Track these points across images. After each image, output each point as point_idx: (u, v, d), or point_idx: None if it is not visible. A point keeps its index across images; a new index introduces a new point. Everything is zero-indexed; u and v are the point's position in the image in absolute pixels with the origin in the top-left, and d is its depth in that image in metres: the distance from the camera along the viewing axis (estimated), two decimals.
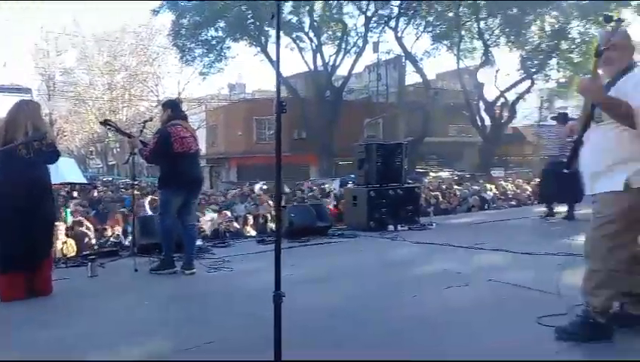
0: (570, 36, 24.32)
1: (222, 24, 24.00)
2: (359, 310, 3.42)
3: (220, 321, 3.28)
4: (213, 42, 24.77)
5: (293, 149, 26.68)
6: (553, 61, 25.52)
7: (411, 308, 3.44)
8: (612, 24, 2.64)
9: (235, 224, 8.34)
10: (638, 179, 2.47)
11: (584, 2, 23.18)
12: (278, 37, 2.30)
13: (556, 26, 24.55)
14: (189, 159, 4.71)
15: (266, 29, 23.13)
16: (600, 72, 2.70)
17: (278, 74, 2.34)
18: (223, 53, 25.16)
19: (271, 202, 12.62)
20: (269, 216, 9.25)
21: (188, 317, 3.41)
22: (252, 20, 22.61)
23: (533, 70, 25.20)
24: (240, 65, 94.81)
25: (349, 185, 11.87)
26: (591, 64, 2.83)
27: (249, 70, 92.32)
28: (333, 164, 25.58)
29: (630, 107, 2.42)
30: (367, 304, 3.56)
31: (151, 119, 6.34)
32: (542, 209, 8.18)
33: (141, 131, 6.11)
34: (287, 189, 14.38)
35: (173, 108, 4.89)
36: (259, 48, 24.60)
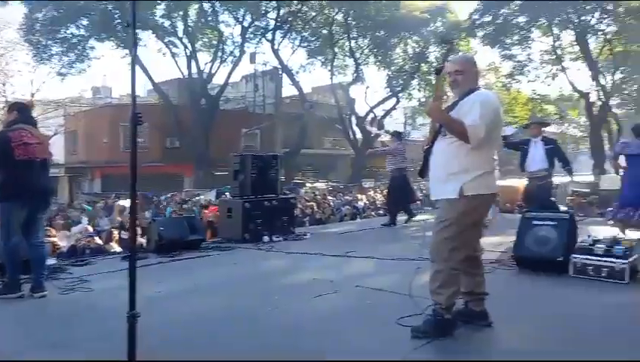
0: (428, 60, 26.96)
1: (85, 22, 22.06)
2: (229, 323, 3.37)
3: (72, 345, 2.98)
4: (74, 41, 22.61)
5: (166, 159, 25.45)
6: (415, 81, 28.08)
7: (281, 317, 3.47)
8: (448, 46, 3.06)
9: (98, 240, 7.67)
10: (470, 187, 2.82)
11: (440, 30, 25.87)
12: (134, 42, 2.18)
13: (417, 50, 27.04)
14: (34, 168, 4.18)
15: (136, 30, 21.86)
16: (447, 89, 3.09)
17: (133, 82, 2.17)
18: (85, 54, 23.12)
19: (146, 213, 11.92)
20: (138, 230, 8.68)
21: (36, 344, 3.04)
22: (119, 20, 21.12)
23: (398, 89, 27.41)
24: (106, 67, 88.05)
25: (224, 197, 11.67)
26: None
27: (116, 73, 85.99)
28: (209, 175, 24.90)
29: (464, 125, 2.77)
30: (238, 317, 3.52)
31: None
32: (405, 217, 8.83)
33: None
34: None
35: (20, 111, 4.35)
36: (127, 51, 23.12)
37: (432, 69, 3.53)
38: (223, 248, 6.53)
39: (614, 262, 4.10)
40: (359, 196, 18.22)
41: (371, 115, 27.88)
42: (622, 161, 6.44)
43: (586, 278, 4.20)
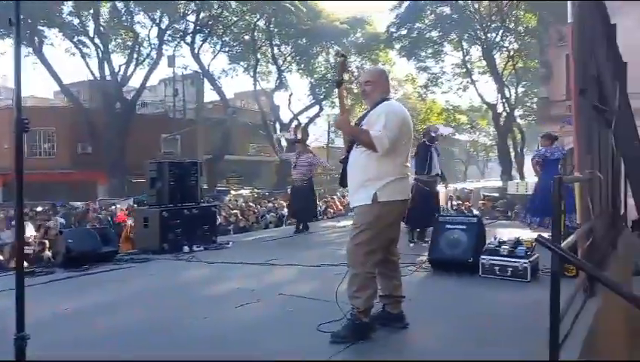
0: (350, 69, 27.66)
1: None
2: (145, 337, 3.21)
3: None
4: None
5: (77, 165, 23.84)
6: (336, 90, 28.65)
7: (202, 329, 3.36)
8: (341, 58, 3.24)
9: None
10: (383, 194, 2.94)
11: (360, 41, 26.70)
12: (17, 43, 1.99)
13: (338, 60, 27.64)
14: None
15: (40, 28, 20.30)
16: (345, 102, 3.24)
17: (18, 82, 1.96)
18: None
19: (50, 223, 11.03)
20: (47, 243, 8.06)
21: None
22: (22, 17, 19.50)
23: (322, 97, 27.85)
24: (6, 66, 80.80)
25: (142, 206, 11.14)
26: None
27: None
28: (125, 182, 23.66)
29: (370, 135, 2.90)
30: (155, 330, 3.35)
31: None
32: (329, 223, 8.97)
33: None
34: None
35: None
36: (30, 49, 21.37)
37: (334, 80, 3.81)
38: (139, 260, 6.21)
39: (517, 262, 4.43)
40: (284, 203, 18.19)
41: (295, 122, 28.06)
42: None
43: (493, 278, 4.49)
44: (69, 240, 5.78)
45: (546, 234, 2.43)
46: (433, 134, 7.00)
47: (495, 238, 4.95)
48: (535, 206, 7.10)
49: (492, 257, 4.57)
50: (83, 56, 22.91)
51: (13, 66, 1.98)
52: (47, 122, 23.70)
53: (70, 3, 20.56)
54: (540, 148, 7.43)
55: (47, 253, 7.29)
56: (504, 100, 25.09)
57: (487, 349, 2.85)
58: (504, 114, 25.46)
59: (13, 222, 10.14)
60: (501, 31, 23.43)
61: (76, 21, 22.15)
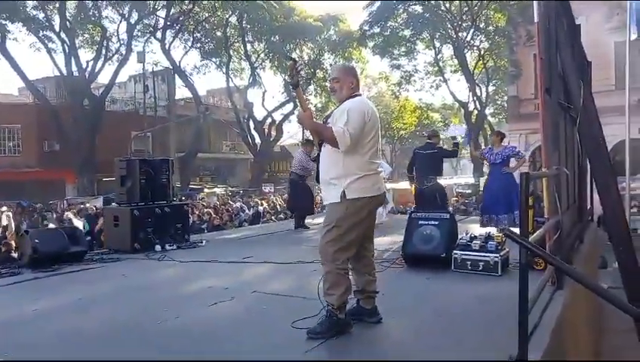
0: (323, 67, 27.73)
1: None
2: (115, 339, 3.14)
3: None
4: None
5: (43, 163, 23.16)
6: (312, 87, 28.67)
7: (175, 329, 3.31)
8: (290, 62, 3.24)
9: None
10: (350, 190, 2.96)
11: (334, 39, 26.75)
12: None
13: (312, 57, 27.68)
14: None
15: (3, 22, 19.57)
16: (305, 101, 3.27)
17: None
18: None
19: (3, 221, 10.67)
20: (12, 244, 7.82)
21: None
22: None
23: (295, 94, 27.76)
24: None
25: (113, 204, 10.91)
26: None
27: None
28: (94, 181, 23.09)
29: (332, 132, 2.92)
30: (126, 331, 3.29)
31: None
32: (306, 221, 8.96)
33: None
34: None
35: None
36: None
37: (289, 83, 3.86)
38: (109, 259, 6.08)
39: (488, 257, 4.52)
40: (259, 201, 18.12)
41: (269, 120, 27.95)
42: (512, 162, 7.39)
43: (465, 272, 4.58)
44: (36, 241, 5.60)
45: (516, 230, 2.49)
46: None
47: (467, 234, 5.04)
48: (484, 205, 7.58)
49: (464, 252, 4.66)
50: (49, 51, 22.24)
51: None
52: (12, 119, 22.90)
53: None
54: (485, 148, 8.10)
55: (14, 255, 7.06)
56: (475, 98, 25.59)
57: (458, 341, 2.90)
58: (475, 112, 25.95)
59: None
60: (472, 30, 23.87)
61: (41, 15, 21.46)
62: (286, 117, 29.28)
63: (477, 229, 6.41)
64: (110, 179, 19.31)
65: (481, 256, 4.56)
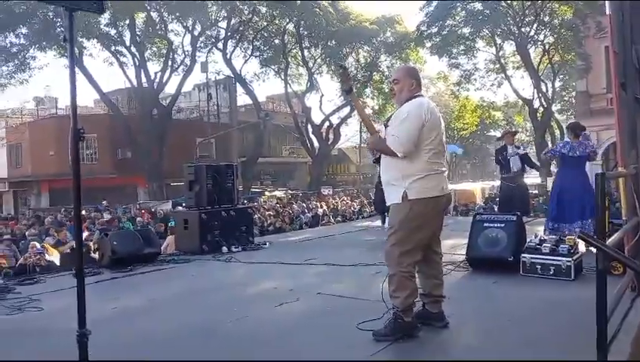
0: (380, 69, 27.58)
1: (24, 30, 21.03)
2: (189, 338, 3.31)
3: None
4: (14, 50, 21.53)
5: (118, 170, 24.65)
6: (368, 90, 28.60)
7: (244, 328, 3.44)
8: (340, 70, 3.21)
9: (48, 257, 7.33)
10: (412, 191, 2.93)
11: (390, 41, 26.54)
12: (71, 53, 2.10)
13: (368, 60, 27.63)
14: None
15: (80, 39, 21.06)
16: (364, 109, 3.29)
17: (74, 96, 2.08)
18: (26, 63, 22.03)
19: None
20: (91, 245, 8.39)
21: None
22: (61, 29, 20.27)
23: None
24: (50, 76, 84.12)
25: (180, 208, 11.46)
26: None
27: (61, 83, 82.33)
28: (163, 186, 24.30)
29: (387, 145, 2.97)
30: (198, 330, 3.46)
31: None
32: (365, 223, 9.00)
33: None
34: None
35: None
36: (68, 61, 22.11)
37: (343, 91, 3.80)
38: (180, 261, 6.40)
39: (560, 260, 4.33)
40: (318, 203, 18.31)
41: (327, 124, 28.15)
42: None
43: (535, 276, 4.41)
44: (114, 242, 6.00)
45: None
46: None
47: (536, 236, 4.85)
48: (551, 211, 6.33)
49: (533, 256, 4.49)
50: (121, 65, 23.66)
51: (69, 81, 2.11)
52: (89, 129, 24.17)
53: (107, 14, 21.22)
54: (559, 142, 7.23)
55: (94, 256, 7.58)
56: (541, 95, 24.44)
57: (531, 349, 2.81)
58: (541, 109, 24.79)
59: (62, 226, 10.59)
60: (535, 25, 22.83)
61: (113, 31, 22.89)
62: (343, 120, 29.40)
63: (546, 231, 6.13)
64: (178, 183, 20.28)
65: (552, 259, 4.38)
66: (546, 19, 22.67)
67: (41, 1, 2.06)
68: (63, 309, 4.06)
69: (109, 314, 3.91)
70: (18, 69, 21.91)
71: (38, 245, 7.56)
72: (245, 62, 27.08)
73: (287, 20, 25.42)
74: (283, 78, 27.40)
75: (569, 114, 30.32)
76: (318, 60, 27.93)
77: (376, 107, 28.92)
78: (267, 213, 14.71)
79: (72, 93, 2.09)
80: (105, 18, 21.43)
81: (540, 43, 24.03)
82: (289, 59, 27.20)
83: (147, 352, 3.05)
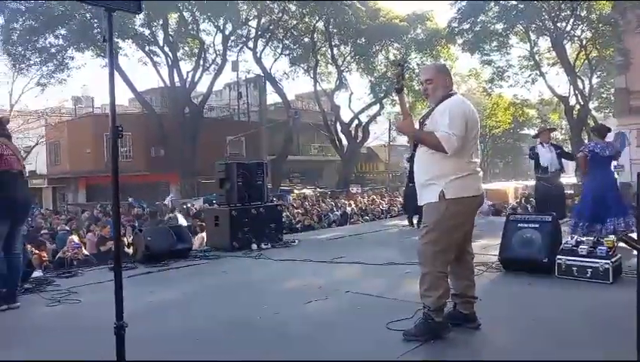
0: (410, 66, 27.27)
1: (63, 31, 21.76)
2: (221, 332, 3.37)
3: (61, 356, 2.94)
4: (53, 50, 22.29)
5: (151, 168, 25.24)
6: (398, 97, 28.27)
7: (274, 324, 3.48)
8: (398, 68, 3.12)
9: (85, 251, 7.58)
10: (450, 190, 2.88)
11: (421, 38, 26.21)
12: (110, 51, 2.16)
13: (398, 57, 27.35)
14: (12, 179, 4.15)
15: (115, 40, 21.64)
16: (407, 106, 3.19)
17: (112, 94, 2.14)
18: (64, 63, 22.80)
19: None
20: (125, 240, 8.64)
21: (24, 355, 3.00)
22: (98, 29, 20.87)
23: (382, 95, 27.62)
24: (87, 76, 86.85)
25: (212, 205, 11.65)
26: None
27: (97, 82, 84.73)
28: (195, 183, 24.75)
29: (437, 137, 2.86)
30: (229, 325, 3.51)
31: None
32: (394, 222, 8.94)
33: None
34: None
35: None
36: (107, 60, 22.75)
37: (394, 88, 3.69)
38: (211, 257, 6.51)
39: (598, 263, 4.20)
40: (347, 202, 18.30)
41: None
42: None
43: (571, 279, 4.29)
44: (148, 238, 6.16)
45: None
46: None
47: (572, 238, 4.72)
48: (579, 210, 6.37)
49: (569, 257, 4.37)
50: (154, 64, 24.19)
51: (108, 79, 2.18)
52: (124, 128, 24.84)
53: (141, 15, 21.73)
54: (589, 142, 6.87)
55: (128, 250, 7.79)
56: (577, 92, 23.69)
57: (567, 350, 2.74)
58: (577, 106, 24.04)
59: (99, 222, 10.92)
60: (572, 20, 22.12)
61: (147, 32, 23.43)
62: (372, 118, 29.26)
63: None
64: (209, 181, 20.59)
65: (589, 261, 4.24)
66: (583, 13, 21.93)
67: (82, 2, 2.11)
68: (100, 302, 4.18)
69: (145, 308, 4.01)
70: (57, 69, 22.70)
71: (75, 239, 7.83)
72: (275, 60, 27.28)
73: (317, 18, 25.45)
74: (312, 76, 27.45)
75: (607, 111, 29.29)
76: (348, 58, 27.84)
77: (408, 105, 28.62)
78: (296, 210, 14.78)
79: (110, 91, 2.15)
80: (139, 19, 21.97)
81: (576, 38, 23.28)
82: (318, 58, 27.23)
83: (181, 345, 3.12)
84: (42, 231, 10.40)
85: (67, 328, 3.64)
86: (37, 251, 7.07)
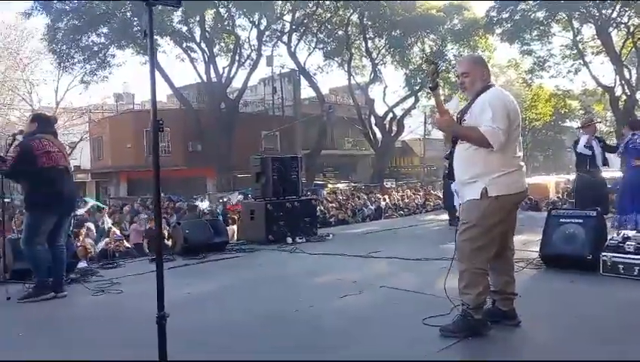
0: (446, 58, 26.70)
1: (105, 30, 22.49)
2: (258, 325, 3.42)
3: (104, 345, 3.06)
4: (95, 49, 23.07)
5: (188, 162, 25.79)
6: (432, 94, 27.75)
7: (309, 318, 3.50)
8: (432, 66, 2.98)
9: (126, 243, 7.84)
10: (492, 188, 2.80)
11: (457, 28, 25.62)
12: (151, 46, 2.20)
13: (434, 49, 26.84)
14: (58, 175, 4.33)
15: (155, 37, 22.20)
16: (447, 103, 3.09)
17: (154, 89, 2.18)
18: (107, 61, 23.56)
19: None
20: (165, 233, 8.87)
21: (67, 343, 3.13)
22: (138, 28, 21.44)
23: (417, 88, 27.20)
24: (127, 73, 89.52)
25: (248, 199, 11.82)
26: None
27: (137, 79, 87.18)
28: (231, 177, 25.15)
29: (480, 132, 2.76)
30: (266, 318, 3.56)
31: (21, 132, 5.66)
32: (429, 217, 8.82)
33: (10, 144, 5.40)
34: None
35: (40, 122, 4.50)
36: (147, 57, 23.36)
37: (428, 86, 3.57)
38: (247, 250, 6.61)
39: None
40: (381, 196, 18.19)
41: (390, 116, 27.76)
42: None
43: (617, 276, 4.12)
44: (187, 231, 6.31)
45: None
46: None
47: (618, 234, 4.53)
48: (622, 204, 6.41)
49: (615, 254, 4.19)
50: (191, 60, 24.63)
51: (149, 76, 2.23)
52: (163, 123, 25.75)
53: (179, 12, 22.18)
54: (628, 137, 6.57)
55: (168, 243, 8.00)
56: (623, 82, 22.64)
57: (612, 348, 2.63)
58: (624, 97, 22.98)
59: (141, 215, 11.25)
60: (618, 6, 21.11)
61: (184, 28, 23.88)
62: (407, 112, 28.85)
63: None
64: (244, 175, 20.87)
65: (637, 259, 4.06)
66: None
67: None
68: (141, 292, 4.32)
69: (184, 299, 4.11)
70: (99, 67, 23.48)
71: (117, 232, 8.10)
72: (309, 54, 27.26)
73: (351, 11, 25.27)
74: (346, 69, 27.29)
75: None
76: (382, 51, 27.52)
77: (442, 97, 28.07)
78: (330, 205, 14.80)
79: (152, 85, 2.20)
80: (177, 16, 22.41)
81: (623, 25, 22.21)
82: (352, 51, 27.04)
83: (219, 337, 3.18)
84: (87, 224, 10.79)
85: (110, 317, 3.78)
86: (81, 243, 7.36)
